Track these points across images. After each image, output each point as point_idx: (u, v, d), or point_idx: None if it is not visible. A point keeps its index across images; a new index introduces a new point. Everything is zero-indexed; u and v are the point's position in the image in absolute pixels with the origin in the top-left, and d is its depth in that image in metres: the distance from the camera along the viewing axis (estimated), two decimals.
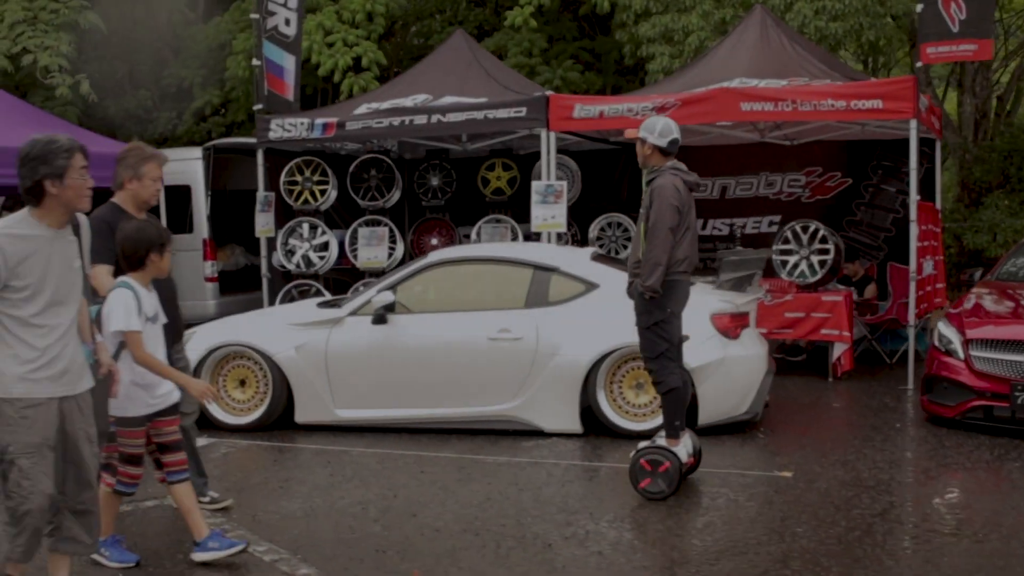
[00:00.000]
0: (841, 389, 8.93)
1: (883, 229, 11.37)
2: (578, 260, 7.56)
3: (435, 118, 9.99)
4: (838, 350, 9.24)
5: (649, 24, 11.67)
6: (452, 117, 9.94)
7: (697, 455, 6.07)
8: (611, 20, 13.42)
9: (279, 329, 7.58)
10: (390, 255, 11.19)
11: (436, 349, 7.32)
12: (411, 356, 7.34)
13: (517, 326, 7.24)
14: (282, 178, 11.13)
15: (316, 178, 11.17)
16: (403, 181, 11.49)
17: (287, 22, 11.06)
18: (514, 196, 11.49)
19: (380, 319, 7.38)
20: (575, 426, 7.19)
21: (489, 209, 11.48)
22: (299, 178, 11.18)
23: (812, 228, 9.53)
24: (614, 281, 7.39)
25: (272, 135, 10.72)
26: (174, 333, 5.03)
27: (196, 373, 7.56)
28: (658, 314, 5.62)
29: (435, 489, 5.99)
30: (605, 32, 14.34)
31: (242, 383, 7.64)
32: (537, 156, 11.69)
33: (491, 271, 7.62)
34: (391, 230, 11.24)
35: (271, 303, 11.00)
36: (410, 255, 11.58)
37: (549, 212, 9.68)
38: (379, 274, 11.25)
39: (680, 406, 5.74)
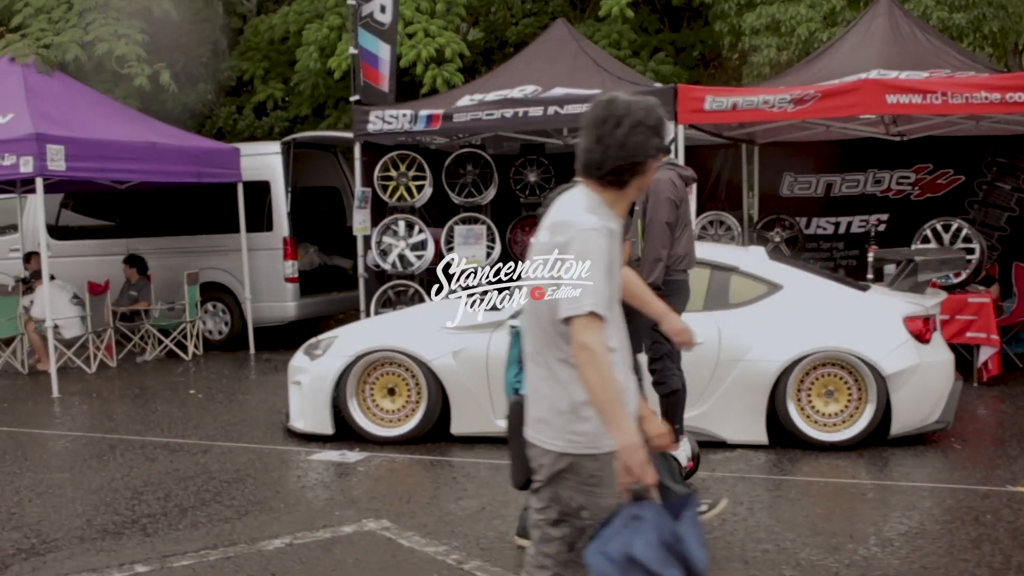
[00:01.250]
0: (996, 394, 8.49)
1: (997, 228, 10.97)
2: (757, 259, 7.08)
3: (551, 110, 9.47)
4: (984, 354, 8.82)
5: (754, 15, 11.22)
6: (570, 109, 9.40)
7: (696, 459, 5.69)
8: (690, 12, 12.96)
9: (432, 333, 7.04)
10: (488, 254, 10.69)
11: None
12: None
13: (697, 330, 6.72)
14: (376, 173, 10.58)
15: (412, 173, 10.63)
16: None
17: (382, 9, 10.51)
18: None
19: None
20: (761, 436, 6.71)
21: None
22: (394, 173, 10.64)
23: (955, 227, 9.11)
24: (798, 281, 6.94)
25: (371, 127, 10.15)
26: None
27: (342, 381, 7.04)
28: None
29: None
30: (680, 26, 13.90)
31: (391, 392, 7.10)
32: None
33: None
34: (489, 228, 10.73)
35: (367, 305, 10.45)
36: (506, 254, 11.04)
37: None
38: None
39: (681, 409, 5.52)
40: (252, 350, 11.65)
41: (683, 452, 5.44)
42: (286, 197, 11.59)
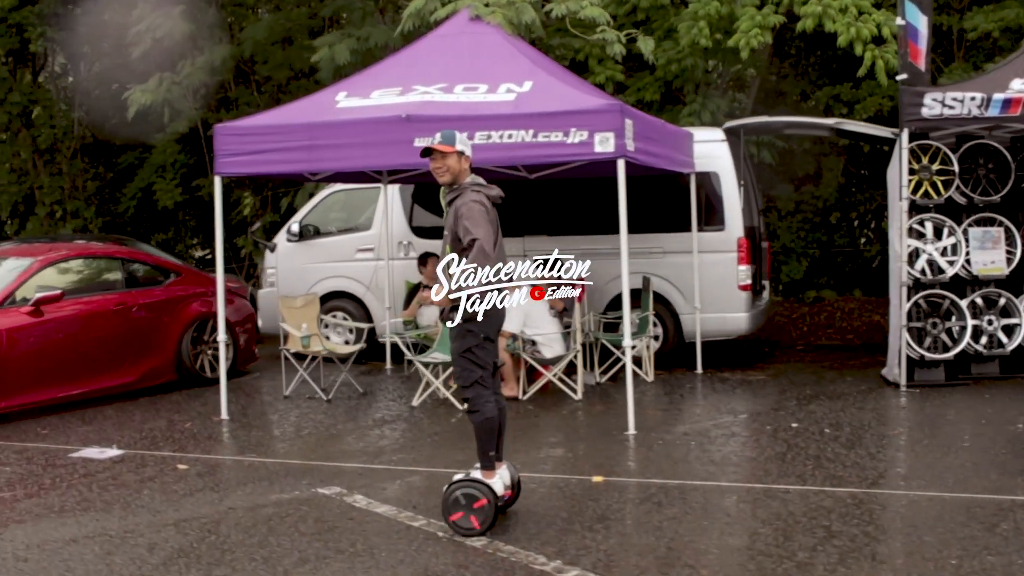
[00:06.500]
0: None
1: None
2: None
3: None
4: None
5: None
6: None
7: (515, 487, 5.53)
8: None
9: None
10: (1009, 260, 9.43)
11: None
12: None
13: None
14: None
15: (936, 167, 9.26)
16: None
17: None
18: None
19: None
20: None
21: None
22: (915, 166, 9.24)
23: None
24: None
25: (926, 112, 8.74)
26: None
27: None
28: (471, 340, 5.22)
29: None
30: None
31: None
32: None
33: None
34: (1008, 230, 9.47)
35: (902, 319, 9.02)
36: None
37: None
38: (994, 284, 9.48)
39: (494, 436, 5.31)
40: (700, 369, 10.02)
41: (499, 481, 5.31)
42: (739, 191, 10.02)
